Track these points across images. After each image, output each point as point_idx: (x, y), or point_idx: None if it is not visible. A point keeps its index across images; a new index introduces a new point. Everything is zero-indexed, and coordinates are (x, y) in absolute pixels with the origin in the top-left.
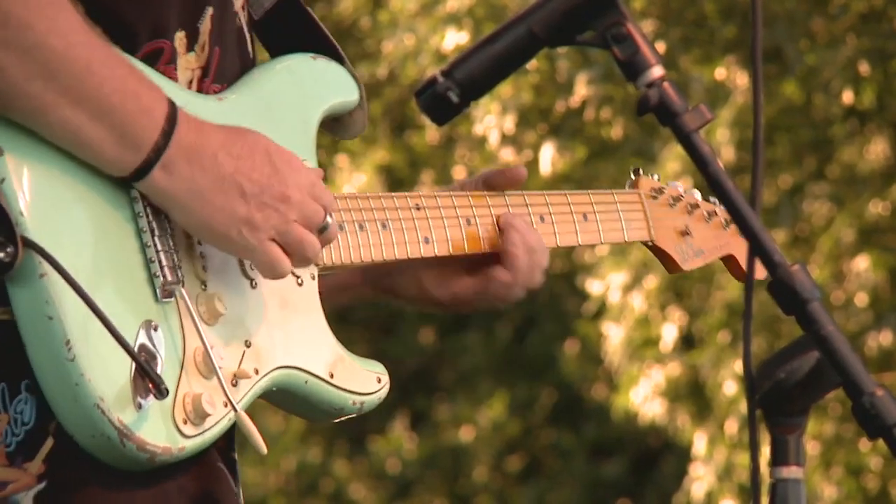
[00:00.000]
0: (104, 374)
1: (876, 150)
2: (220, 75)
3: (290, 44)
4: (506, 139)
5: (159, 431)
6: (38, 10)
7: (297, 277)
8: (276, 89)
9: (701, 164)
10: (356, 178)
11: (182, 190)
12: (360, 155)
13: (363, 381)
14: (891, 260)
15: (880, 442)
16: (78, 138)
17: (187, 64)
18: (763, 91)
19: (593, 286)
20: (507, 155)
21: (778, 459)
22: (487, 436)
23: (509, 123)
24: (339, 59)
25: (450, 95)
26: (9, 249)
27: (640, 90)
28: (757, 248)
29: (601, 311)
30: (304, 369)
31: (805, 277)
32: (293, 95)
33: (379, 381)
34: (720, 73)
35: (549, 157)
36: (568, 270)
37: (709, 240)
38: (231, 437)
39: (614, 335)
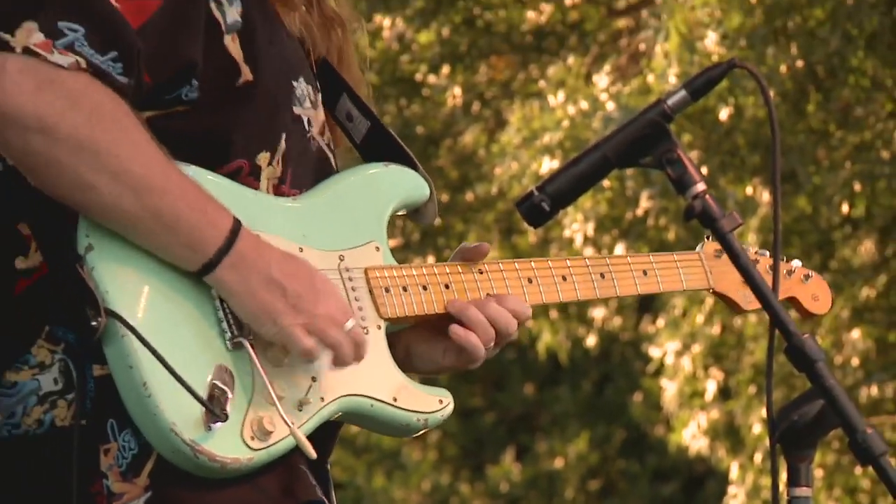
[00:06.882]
0: (176, 405)
1: (866, 248)
2: (295, 183)
3: (382, 157)
4: (587, 240)
5: (228, 446)
6: (122, 141)
7: (364, 329)
8: (349, 187)
9: (734, 257)
10: None
11: (238, 285)
12: None
13: (426, 402)
14: (876, 332)
15: (871, 468)
16: (155, 242)
17: (267, 175)
18: (781, 204)
19: (654, 351)
20: (589, 252)
21: (793, 482)
22: (574, 464)
23: (590, 229)
24: (412, 166)
25: (543, 205)
26: (99, 319)
27: (687, 201)
28: (777, 322)
29: (660, 370)
30: (369, 395)
31: (813, 344)
32: (366, 192)
33: (441, 401)
34: (749, 190)
35: None
36: (635, 339)
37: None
38: (326, 451)
39: (670, 388)
